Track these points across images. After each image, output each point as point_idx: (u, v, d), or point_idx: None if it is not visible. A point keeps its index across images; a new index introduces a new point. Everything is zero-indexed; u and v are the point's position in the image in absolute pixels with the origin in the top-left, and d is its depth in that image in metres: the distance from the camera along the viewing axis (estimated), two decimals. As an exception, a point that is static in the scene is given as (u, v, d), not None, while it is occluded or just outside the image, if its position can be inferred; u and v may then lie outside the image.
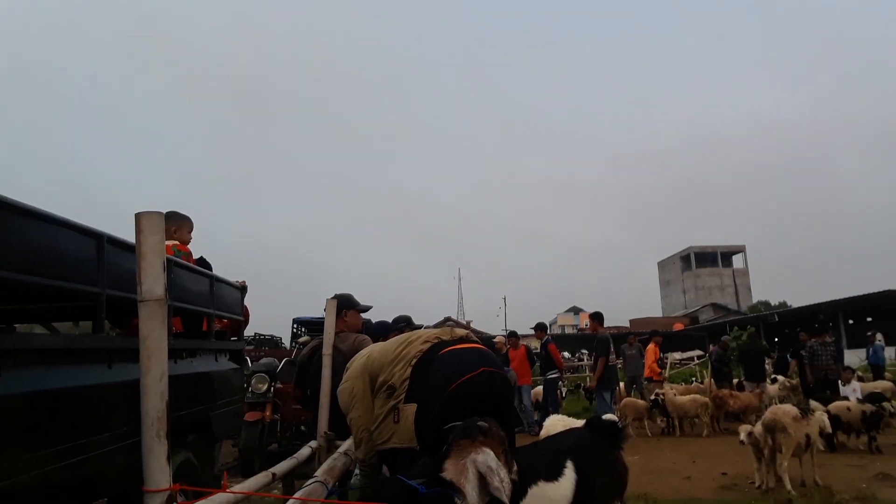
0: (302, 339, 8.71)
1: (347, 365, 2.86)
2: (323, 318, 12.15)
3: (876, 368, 14.39)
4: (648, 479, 6.00)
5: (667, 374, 17.83)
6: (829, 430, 6.02)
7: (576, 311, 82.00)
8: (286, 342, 15.45)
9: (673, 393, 10.46)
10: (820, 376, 10.80)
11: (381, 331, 5.21)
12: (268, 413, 7.09)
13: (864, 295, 27.83)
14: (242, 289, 4.20)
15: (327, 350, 3.79)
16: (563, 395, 12.17)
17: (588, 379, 20.38)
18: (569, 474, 2.36)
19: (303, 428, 7.99)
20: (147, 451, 1.60)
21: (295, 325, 12.15)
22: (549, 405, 10.64)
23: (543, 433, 5.34)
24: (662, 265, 70.94)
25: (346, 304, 4.18)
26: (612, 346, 8.85)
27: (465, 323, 56.64)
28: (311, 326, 11.83)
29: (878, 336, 18.78)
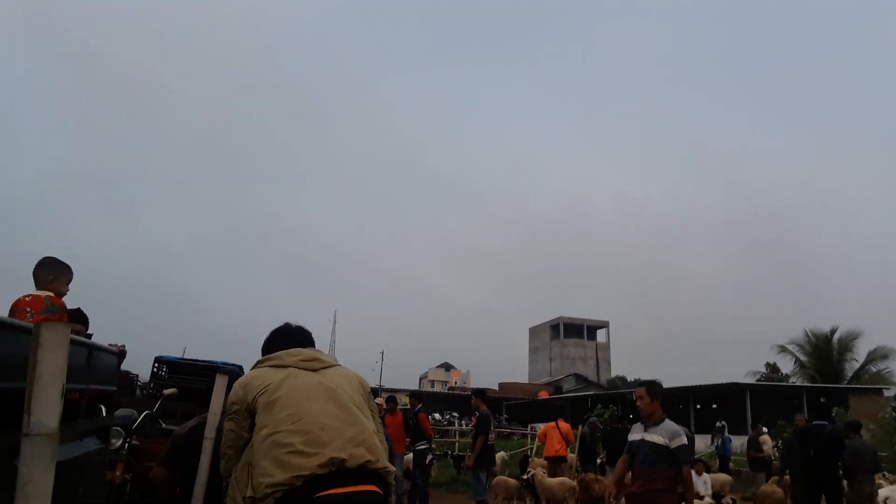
0: (168, 392, 7.91)
1: None
2: (191, 361, 11.21)
3: (723, 459, 15.38)
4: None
5: (534, 447, 18.10)
6: None
7: (447, 367, 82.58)
8: (143, 377, 14.12)
9: (543, 472, 10.57)
10: None
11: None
12: (118, 473, 6.32)
13: (712, 384, 30.14)
14: (121, 354, 3.74)
15: (210, 433, 3.39)
16: (432, 462, 11.97)
17: (457, 445, 20.31)
18: None
19: (157, 490, 7.22)
20: None
21: (156, 365, 11.13)
22: (419, 477, 10.40)
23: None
24: (533, 331, 73.35)
25: (236, 380, 3.81)
26: (492, 424, 8.82)
27: (335, 370, 55.26)
28: (175, 368, 10.91)
29: (722, 424, 20.23)
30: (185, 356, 12.17)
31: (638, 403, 5.05)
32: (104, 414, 3.83)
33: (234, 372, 3.74)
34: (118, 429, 6.46)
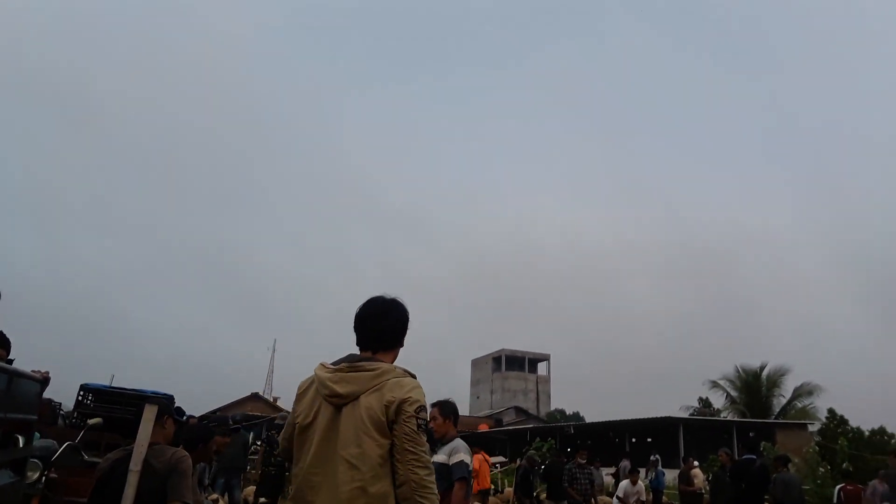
0: (92, 422, 7.53)
1: None
2: (119, 389, 10.76)
3: (656, 492, 15.64)
4: None
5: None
6: None
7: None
8: (67, 405, 13.38)
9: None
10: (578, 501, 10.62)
11: (201, 437, 4.65)
12: (33, 509, 5.96)
13: (647, 418, 30.75)
14: (44, 381, 3.55)
15: (136, 466, 3.25)
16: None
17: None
18: None
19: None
20: None
21: (81, 393, 10.60)
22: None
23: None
24: (475, 363, 73.45)
25: (167, 410, 3.68)
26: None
27: (271, 399, 53.71)
28: (101, 397, 10.42)
29: (656, 458, 20.64)
30: (114, 384, 11.64)
31: (431, 424, 4.54)
32: (21, 444, 3.63)
33: (163, 401, 3.60)
34: (36, 461, 6.11)
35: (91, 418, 8.93)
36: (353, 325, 2.50)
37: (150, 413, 3.40)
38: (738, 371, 37.63)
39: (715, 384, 38.22)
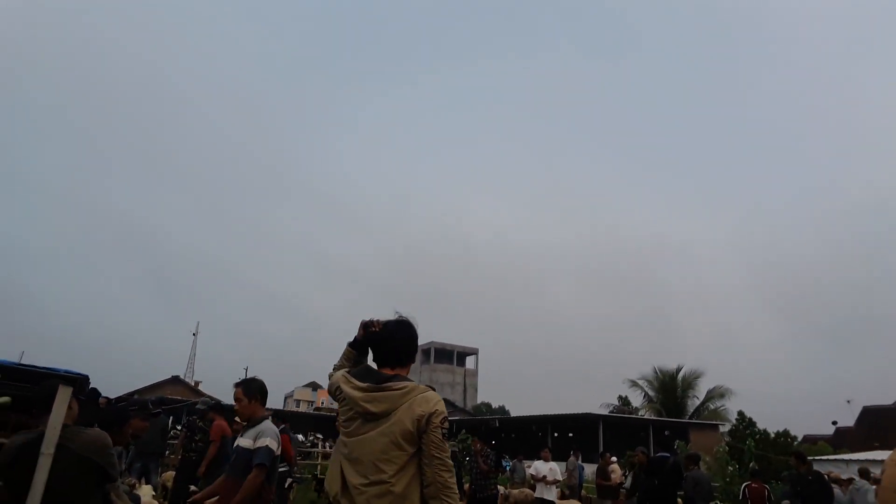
0: (0, 400, 7.11)
1: None
2: (29, 367, 10.24)
3: (576, 487, 16.11)
4: None
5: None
6: None
7: (314, 386, 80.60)
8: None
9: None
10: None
11: (118, 420, 4.46)
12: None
13: (569, 414, 31.63)
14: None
15: (48, 448, 3.09)
16: (291, 486, 11.58)
17: (319, 468, 19.79)
18: None
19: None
20: None
21: (-13, 370, 10.02)
22: (277, 501, 10.01)
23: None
24: (405, 354, 73.72)
25: (80, 391, 3.51)
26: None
27: (192, 384, 52.16)
28: (10, 374, 9.85)
29: (577, 456, 21.23)
30: (24, 361, 11.02)
31: (236, 406, 4.44)
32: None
33: (76, 380, 3.44)
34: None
35: (-2, 397, 8.45)
36: (372, 343, 2.84)
37: (64, 394, 3.24)
38: (655, 372, 39.22)
39: (634, 383, 39.70)
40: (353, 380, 2.67)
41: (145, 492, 6.14)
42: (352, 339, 2.98)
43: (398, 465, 2.46)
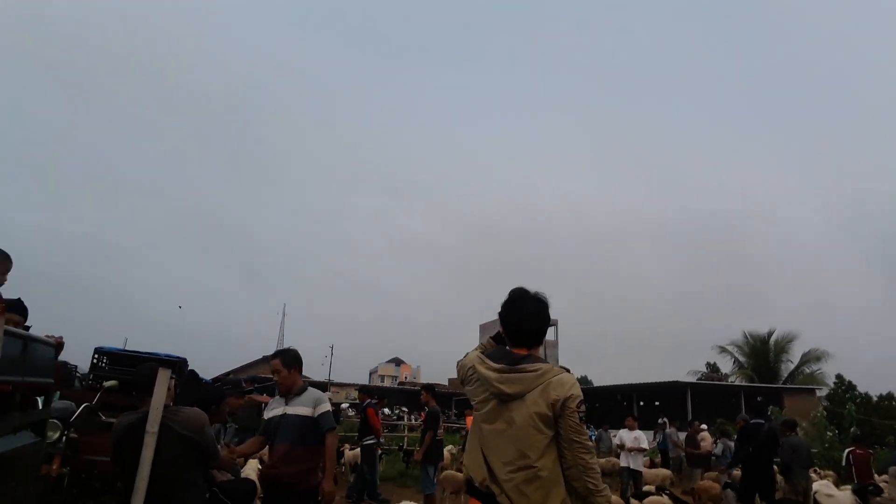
0: (108, 384, 7.67)
1: None
2: (133, 353, 10.90)
3: (664, 454, 15.86)
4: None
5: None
6: None
7: (397, 362, 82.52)
8: (83, 368, 13.61)
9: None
10: None
11: (214, 398, 4.72)
12: (55, 466, 6.13)
13: (655, 382, 31.01)
14: (58, 346, 3.59)
15: (152, 427, 3.30)
16: (381, 457, 11.98)
17: (406, 440, 20.33)
18: None
19: (95, 483, 7.04)
20: None
21: (96, 356, 10.77)
22: (367, 472, 10.40)
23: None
24: (483, 328, 73.64)
25: (179, 374, 3.73)
26: (441, 420, 8.87)
27: (283, 363, 54.41)
28: (116, 360, 10.59)
29: (664, 421, 20.84)
30: (127, 347, 11.80)
31: (275, 377, 4.48)
32: (40, 407, 3.70)
33: (175, 363, 3.65)
34: (55, 421, 6.26)
35: (106, 381, 9.12)
36: (503, 322, 2.79)
37: (164, 376, 3.44)
38: (745, 337, 37.76)
39: (723, 349, 38.40)
40: (488, 360, 2.67)
41: (251, 466, 6.48)
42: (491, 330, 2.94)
43: (540, 448, 2.45)
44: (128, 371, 9.96)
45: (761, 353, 36.55)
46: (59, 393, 7.63)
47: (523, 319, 2.73)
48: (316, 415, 4.34)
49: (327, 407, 4.44)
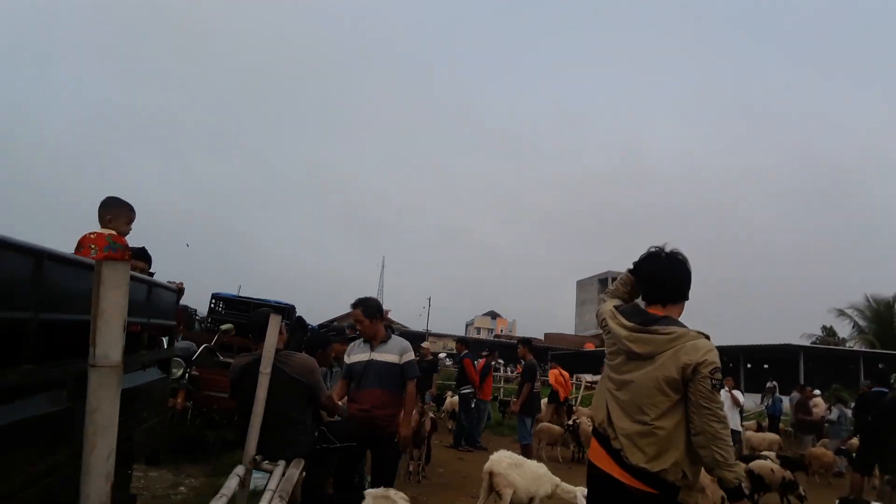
0: (225, 327, 8.21)
1: None
2: (246, 298, 11.50)
3: (772, 418, 15.16)
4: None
5: (579, 396, 18.27)
6: None
7: (493, 315, 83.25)
8: (201, 311, 14.65)
9: (587, 422, 10.66)
10: None
11: (321, 344, 4.94)
12: (179, 400, 6.68)
13: (764, 345, 29.53)
14: (179, 291, 3.85)
15: (265, 368, 3.50)
16: (477, 406, 12.25)
17: (502, 391, 20.63)
18: None
19: (214, 416, 7.62)
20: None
21: (213, 301, 11.55)
22: (464, 420, 10.66)
23: (487, 466, 5.22)
24: (581, 284, 72.95)
25: (288, 320, 3.91)
26: (538, 373, 8.88)
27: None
28: (230, 305, 11.29)
29: (773, 385, 19.87)
30: (241, 294, 12.55)
31: (358, 328, 4.57)
32: (165, 346, 4.00)
33: (285, 310, 3.81)
34: (179, 359, 6.81)
35: (223, 324, 9.75)
36: (637, 277, 2.74)
37: (275, 321, 3.62)
38: (867, 300, 34.94)
39: (842, 313, 35.77)
40: (620, 317, 2.63)
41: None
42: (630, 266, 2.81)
43: (661, 409, 2.43)
44: (242, 315, 10.61)
45: (885, 319, 33.79)
46: (181, 334, 8.28)
47: (657, 274, 2.65)
48: (402, 362, 4.46)
49: (412, 356, 4.56)
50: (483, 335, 68.51)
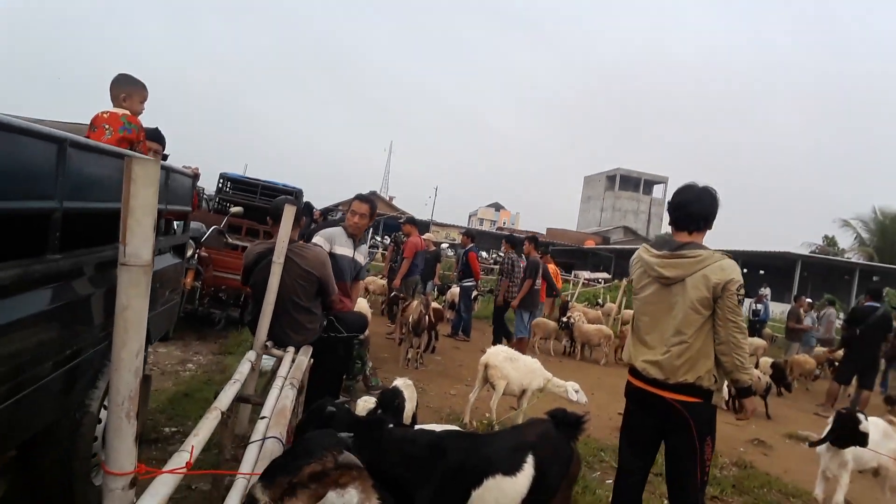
0: (234, 210, 8.26)
1: None
2: (253, 180, 11.49)
3: (760, 323, 15.56)
4: (550, 407, 6.25)
5: (576, 293, 18.67)
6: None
7: (497, 207, 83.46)
8: (208, 190, 14.64)
9: (581, 319, 10.98)
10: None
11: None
12: (188, 279, 6.85)
13: (763, 251, 29.75)
14: (195, 177, 3.83)
15: (279, 258, 3.56)
16: (476, 298, 12.55)
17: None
18: (527, 470, 2.40)
19: (221, 295, 7.85)
20: (113, 431, 1.41)
21: (221, 181, 11.50)
22: (463, 310, 10.97)
23: (484, 359, 5.43)
24: (588, 180, 72.36)
25: (300, 213, 3.94)
26: (540, 270, 9.03)
27: (387, 199, 56.41)
28: (238, 185, 11.28)
29: (767, 292, 20.25)
30: (247, 174, 12.49)
31: (356, 222, 4.71)
32: (181, 232, 4.05)
33: (293, 193, 3.82)
34: (189, 240, 6.92)
35: (229, 204, 9.79)
36: (669, 208, 3.01)
37: (289, 213, 3.62)
38: (875, 213, 34.79)
39: (846, 223, 35.69)
40: (651, 248, 2.98)
41: (362, 305, 6.99)
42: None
43: (696, 326, 2.75)
44: (248, 196, 10.64)
45: (889, 232, 33.77)
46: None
47: (686, 203, 2.91)
48: (364, 263, 5.02)
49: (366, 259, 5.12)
50: (486, 227, 68.94)
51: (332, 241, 4.68)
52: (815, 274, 31.41)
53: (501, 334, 9.25)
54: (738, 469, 5.41)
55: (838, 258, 34.22)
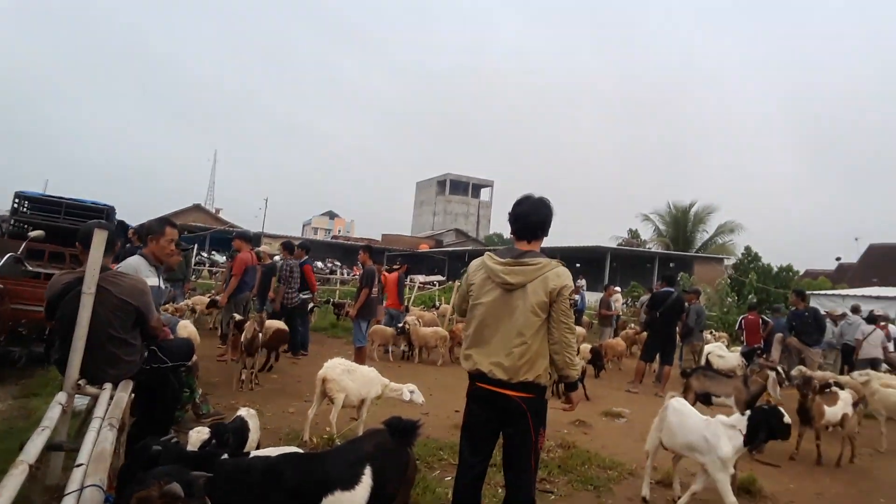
0: (34, 234, 7.45)
1: None
2: (56, 198, 10.44)
3: (577, 313, 17.03)
4: (390, 413, 6.39)
5: (412, 297, 19.08)
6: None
7: (332, 215, 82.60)
8: (1, 214, 12.97)
9: (416, 322, 11.28)
10: None
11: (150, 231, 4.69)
12: (-22, 315, 6.09)
13: (578, 246, 32.50)
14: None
15: (89, 289, 3.31)
16: (313, 310, 12.41)
17: (337, 293, 20.91)
18: (366, 482, 2.49)
19: (21, 330, 7.03)
20: None
21: (17, 201, 10.25)
22: (300, 324, 10.80)
23: (321, 374, 5.40)
24: (420, 186, 74.17)
25: (115, 236, 3.67)
26: (376, 279, 9.17)
27: (213, 211, 53.51)
28: (38, 205, 10.18)
29: (582, 283, 22.12)
30: (48, 191, 11.30)
31: (172, 253, 4.56)
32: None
33: (104, 211, 3.58)
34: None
35: (28, 227, 8.81)
36: (510, 219, 3.22)
37: (100, 238, 3.37)
38: (669, 206, 39.57)
39: (646, 217, 40.24)
40: (495, 256, 3.16)
41: (189, 329, 6.62)
42: None
43: (535, 328, 2.99)
44: (51, 217, 9.63)
45: (681, 223, 38.57)
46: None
47: (524, 214, 3.16)
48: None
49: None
50: (321, 236, 68.01)
51: (137, 272, 4.12)
52: (623, 264, 34.82)
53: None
54: (562, 450, 5.87)
55: (641, 249, 38.33)
